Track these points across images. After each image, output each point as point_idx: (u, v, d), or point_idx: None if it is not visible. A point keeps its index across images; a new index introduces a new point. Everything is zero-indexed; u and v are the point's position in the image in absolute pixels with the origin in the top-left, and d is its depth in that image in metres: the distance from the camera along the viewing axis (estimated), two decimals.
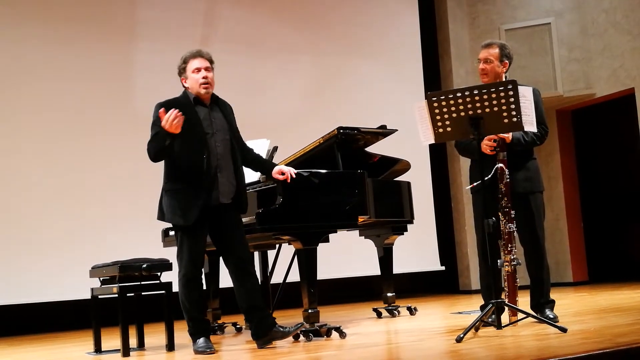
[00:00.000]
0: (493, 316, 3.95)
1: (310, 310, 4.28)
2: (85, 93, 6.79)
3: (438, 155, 8.61)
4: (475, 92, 3.87)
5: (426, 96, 4.04)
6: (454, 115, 3.94)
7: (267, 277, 5.31)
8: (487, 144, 4.16)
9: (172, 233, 4.72)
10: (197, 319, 4.00)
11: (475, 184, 4.24)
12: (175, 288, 4.10)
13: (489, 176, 4.09)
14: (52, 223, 6.48)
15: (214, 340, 4.24)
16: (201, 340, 3.94)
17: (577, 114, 8.78)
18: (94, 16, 6.95)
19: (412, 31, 8.61)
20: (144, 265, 4.18)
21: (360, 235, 5.91)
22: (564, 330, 3.67)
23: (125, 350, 4.06)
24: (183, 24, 7.29)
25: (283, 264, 5.25)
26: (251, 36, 7.62)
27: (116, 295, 4.15)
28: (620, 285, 7.36)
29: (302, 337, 4.18)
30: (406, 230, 5.70)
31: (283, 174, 4.19)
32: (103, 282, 4.37)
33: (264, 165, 4.34)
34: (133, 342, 4.27)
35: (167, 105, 3.91)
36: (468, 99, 3.88)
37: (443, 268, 8.42)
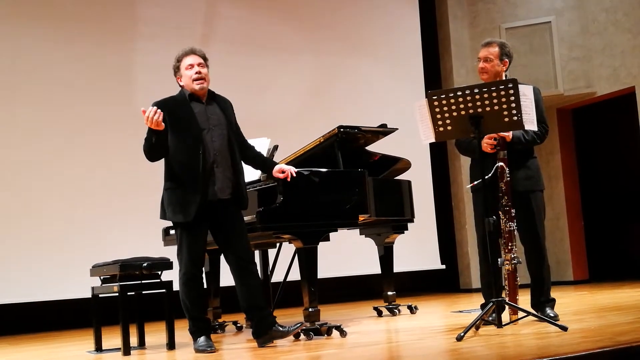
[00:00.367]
0: (493, 315, 3.95)
1: (310, 309, 4.29)
2: (85, 92, 6.79)
3: (438, 154, 8.61)
4: (476, 90, 3.87)
5: (426, 95, 4.04)
6: (455, 114, 3.94)
7: (267, 276, 5.32)
8: (487, 143, 4.16)
9: (172, 232, 4.72)
10: (197, 318, 4.00)
11: (475, 182, 4.24)
12: (176, 287, 4.10)
13: (490, 175, 4.09)
14: (52, 222, 6.48)
15: (214, 339, 4.24)
16: (202, 339, 3.94)
17: (577, 112, 8.78)
18: (94, 15, 6.95)
19: (413, 30, 8.61)
20: (145, 264, 4.19)
21: (360, 234, 5.91)
22: (564, 328, 3.67)
23: (126, 349, 4.06)
24: (183, 23, 7.29)
25: (283, 262, 5.26)
26: (251, 36, 7.62)
27: (117, 294, 4.15)
28: (620, 284, 7.36)
29: (302, 336, 4.19)
30: (407, 229, 5.71)
31: (283, 172, 4.19)
32: (104, 281, 4.37)
33: (265, 163, 4.34)
34: (134, 340, 4.27)
35: (163, 103, 3.93)
36: (468, 98, 3.88)
37: (443, 267, 8.42)
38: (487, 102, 3.86)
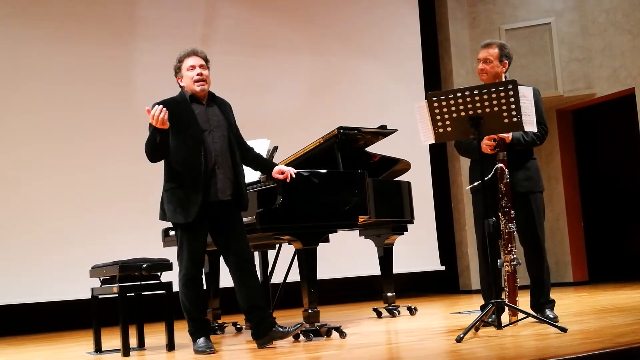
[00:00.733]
0: (493, 316, 3.95)
1: (310, 310, 4.29)
2: (85, 93, 6.79)
3: (438, 155, 8.61)
4: (476, 92, 3.87)
5: (426, 96, 4.04)
6: (454, 115, 3.94)
7: (267, 277, 5.32)
8: (487, 144, 4.16)
9: (172, 233, 4.72)
10: (197, 319, 4.00)
11: (475, 183, 4.24)
12: (176, 288, 4.10)
13: (489, 176, 4.09)
14: (52, 223, 6.48)
15: (214, 340, 4.24)
16: (201, 340, 3.94)
17: (577, 113, 8.78)
18: (94, 15, 6.95)
19: (413, 31, 8.61)
20: (144, 265, 4.19)
21: (360, 235, 5.90)
22: (564, 330, 3.67)
23: (126, 350, 4.06)
24: (183, 23, 7.29)
25: (283, 263, 5.25)
26: (251, 36, 7.62)
27: (116, 295, 4.15)
28: (620, 286, 7.36)
29: (302, 337, 4.18)
30: (406, 230, 5.70)
31: (283, 173, 4.19)
32: (103, 282, 4.37)
33: (264, 164, 4.34)
34: (133, 341, 4.27)
35: (164, 104, 3.91)
36: (468, 99, 3.88)
37: (443, 268, 8.41)
38: (486, 103, 3.86)
